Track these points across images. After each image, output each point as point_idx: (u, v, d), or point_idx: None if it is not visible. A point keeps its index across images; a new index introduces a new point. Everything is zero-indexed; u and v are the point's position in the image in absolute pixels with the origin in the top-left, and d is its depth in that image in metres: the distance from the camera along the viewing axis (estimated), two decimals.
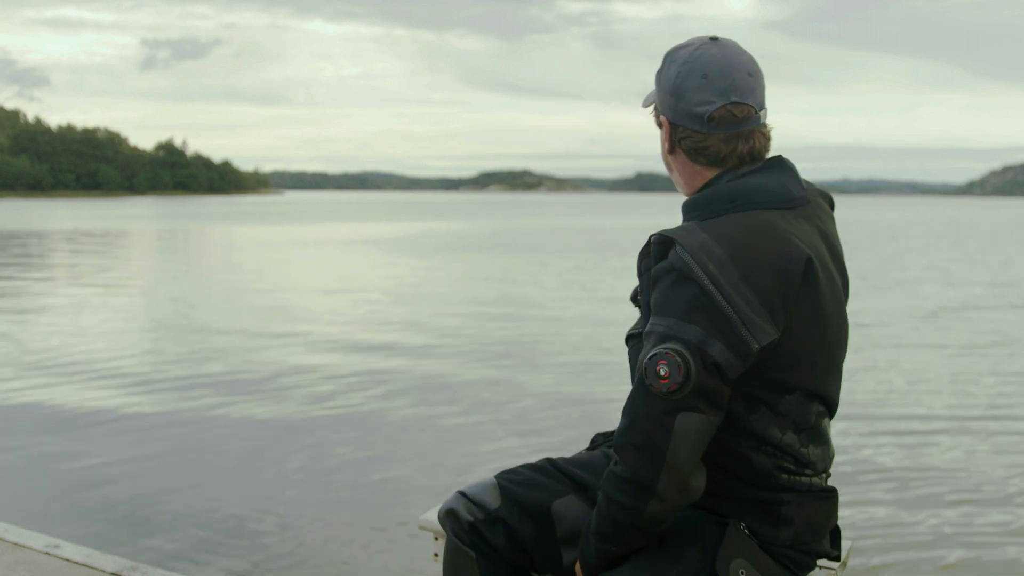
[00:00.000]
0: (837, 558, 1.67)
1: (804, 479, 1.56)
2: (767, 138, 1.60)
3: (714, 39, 1.60)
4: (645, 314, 1.57)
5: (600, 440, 1.94)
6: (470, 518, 1.73)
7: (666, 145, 1.64)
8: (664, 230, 1.52)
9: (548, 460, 1.82)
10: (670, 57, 1.63)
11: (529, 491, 1.74)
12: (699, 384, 1.42)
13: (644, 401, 1.45)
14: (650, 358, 1.44)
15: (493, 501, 1.73)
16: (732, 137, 1.56)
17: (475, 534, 1.72)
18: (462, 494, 1.76)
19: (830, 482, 1.65)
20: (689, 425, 1.43)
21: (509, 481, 1.76)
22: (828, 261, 1.57)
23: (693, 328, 1.43)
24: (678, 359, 1.41)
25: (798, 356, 1.50)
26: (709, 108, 1.55)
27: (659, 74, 1.64)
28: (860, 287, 16.00)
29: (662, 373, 1.42)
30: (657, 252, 1.52)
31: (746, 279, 1.44)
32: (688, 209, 1.60)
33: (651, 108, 1.70)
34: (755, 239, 1.47)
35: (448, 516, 1.76)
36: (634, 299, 1.70)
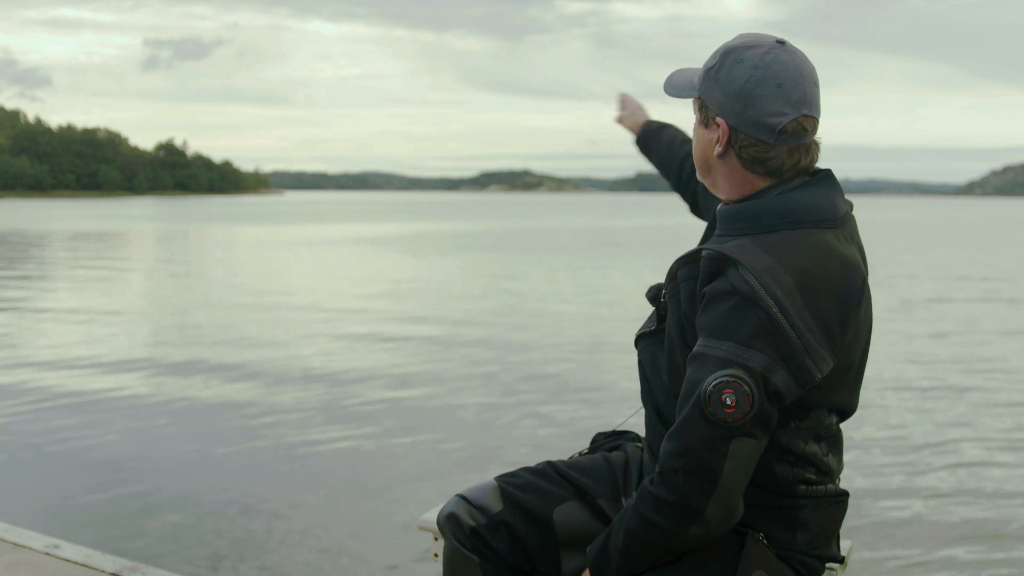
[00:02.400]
0: (842, 560, 1.66)
1: (822, 487, 1.56)
2: (819, 149, 1.55)
3: (781, 42, 1.51)
4: (677, 323, 1.54)
5: (600, 440, 1.92)
6: (472, 523, 1.70)
7: (718, 148, 1.54)
8: (719, 247, 1.46)
9: (548, 463, 1.80)
10: (733, 56, 1.51)
11: (530, 495, 1.72)
12: (760, 412, 1.39)
13: (701, 427, 1.40)
14: (715, 386, 1.38)
15: (495, 505, 1.71)
16: (796, 149, 1.50)
17: (477, 538, 1.70)
18: (462, 497, 1.74)
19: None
20: (744, 450, 1.40)
21: (510, 484, 1.74)
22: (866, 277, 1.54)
23: (757, 355, 1.38)
24: (746, 388, 1.37)
25: (839, 380, 1.48)
26: (782, 120, 1.48)
27: (716, 72, 1.52)
28: None
29: (728, 403, 1.37)
30: (708, 269, 1.46)
31: (809, 306, 1.40)
32: (731, 218, 1.54)
33: (691, 101, 1.59)
34: (818, 264, 1.44)
35: (448, 520, 1.73)
36: (654, 299, 1.66)
